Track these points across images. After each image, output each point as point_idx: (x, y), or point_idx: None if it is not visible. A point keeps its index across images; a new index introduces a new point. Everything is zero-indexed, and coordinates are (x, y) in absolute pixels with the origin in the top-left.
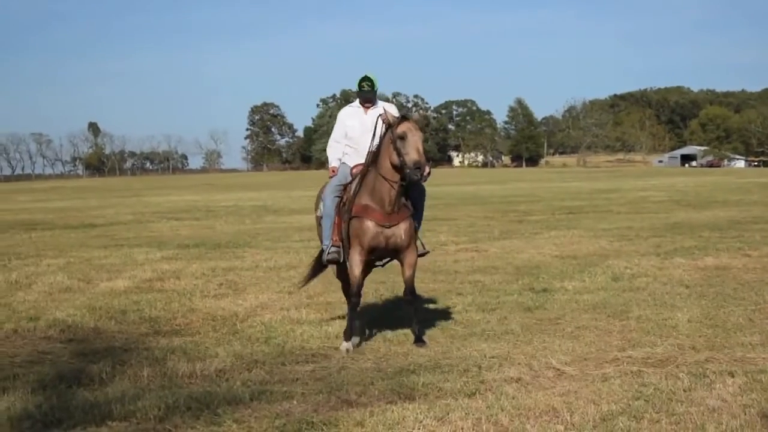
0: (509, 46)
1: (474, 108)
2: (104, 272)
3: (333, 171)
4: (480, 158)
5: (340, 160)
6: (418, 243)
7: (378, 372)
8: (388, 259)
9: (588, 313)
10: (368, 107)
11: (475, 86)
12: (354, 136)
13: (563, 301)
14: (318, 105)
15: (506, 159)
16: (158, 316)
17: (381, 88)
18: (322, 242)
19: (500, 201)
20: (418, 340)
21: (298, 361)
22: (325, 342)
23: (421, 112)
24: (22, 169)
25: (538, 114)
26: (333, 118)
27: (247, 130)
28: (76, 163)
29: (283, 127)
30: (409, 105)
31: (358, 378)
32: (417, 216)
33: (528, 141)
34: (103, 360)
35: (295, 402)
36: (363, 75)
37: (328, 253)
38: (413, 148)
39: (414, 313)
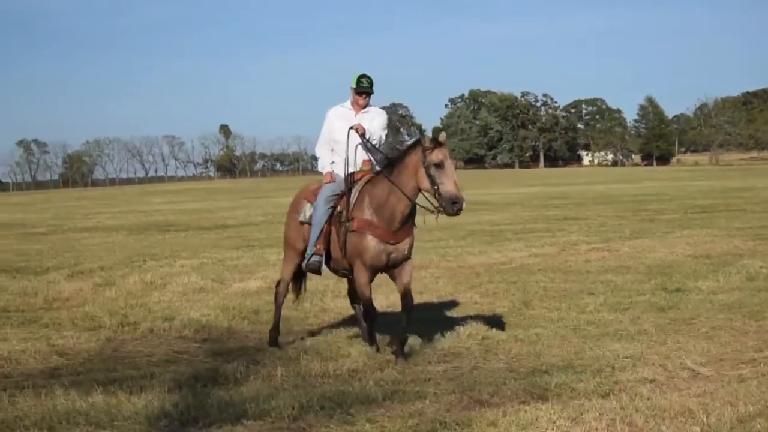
0: (639, 44)
1: (603, 107)
2: (237, 273)
3: (330, 177)
4: (610, 157)
5: (331, 165)
6: None
7: (510, 372)
8: None
9: (723, 313)
10: (359, 109)
11: (604, 84)
12: (341, 139)
13: (697, 301)
14: (446, 105)
15: (636, 158)
16: (291, 315)
17: (512, 86)
18: (290, 248)
19: (631, 200)
20: (399, 353)
21: (430, 361)
22: (456, 342)
23: (443, 134)
24: (155, 171)
25: (669, 112)
26: (462, 118)
27: None
28: (208, 165)
29: (412, 128)
30: (538, 104)
31: (490, 378)
32: None
33: (659, 139)
34: (237, 359)
35: (427, 402)
36: (362, 73)
37: (309, 260)
38: (450, 180)
39: (407, 322)
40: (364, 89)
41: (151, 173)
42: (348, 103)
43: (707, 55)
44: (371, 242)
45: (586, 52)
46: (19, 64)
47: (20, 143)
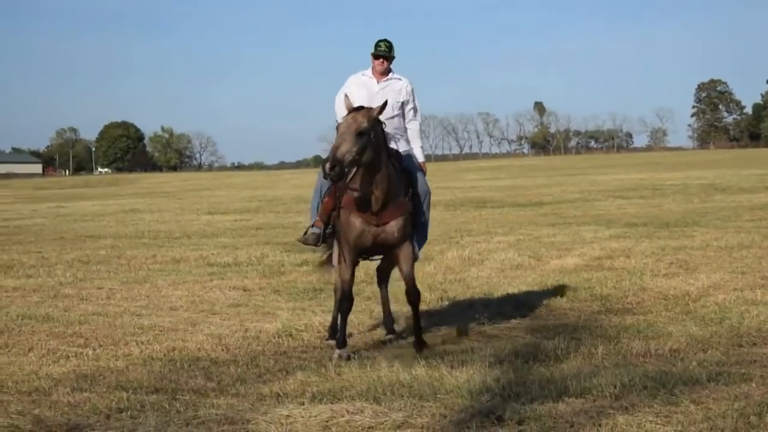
0: None
1: None
2: (553, 249)
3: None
4: None
5: None
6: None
7: None
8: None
9: None
10: (380, 77)
11: None
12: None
13: None
14: (767, 81)
15: None
16: (609, 294)
17: None
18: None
19: None
20: (418, 348)
21: (755, 343)
22: None
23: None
24: (470, 147)
25: None
26: None
27: (693, 107)
28: (522, 142)
29: (731, 104)
30: None
31: None
32: (420, 224)
33: None
34: (557, 336)
35: (753, 384)
36: (384, 38)
37: (305, 233)
38: (334, 145)
39: (416, 315)
40: (381, 53)
41: (466, 150)
42: (369, 71)
43: None
44: (355, 221)
45: None
46: (341, 43)
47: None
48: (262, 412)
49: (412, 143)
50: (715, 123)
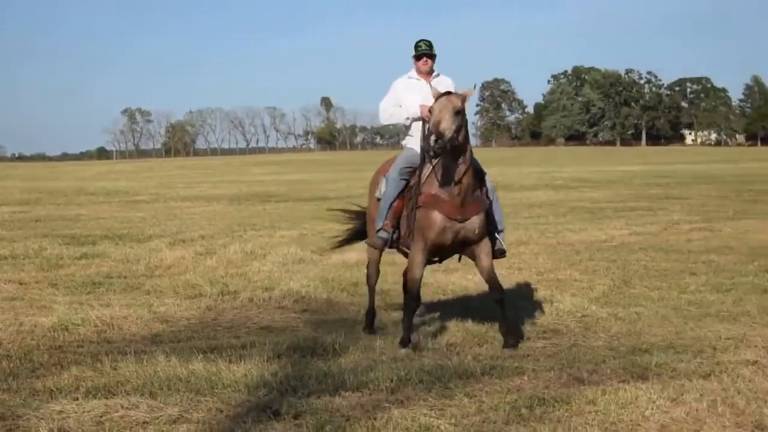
0: (746, 23)
1: (709, 86)
2: None
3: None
4: (713, 137)
5: (406, 139)
6: (498, 242)
7: (609, 350)
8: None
9: None
10: (428, 76)
11: (710, 64)
12: (416, 113)
13: None
14: (549, 81)
15: (740, 138)
16: (389, 288)
17: (616, 64)
18: (373, 227)
19: (734, 180)
20: (507, 345)
21: (529, 338)
22: (555, 319)
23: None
24: (257, 142)
25: None
26: (564, 94)
27: (477, 105)
28: (308, 137)
29: (513, 103)
30: (642, 82)
31: (589, 356)
32: (496, 215)
33: (764, 119)
34: (336, 331)
35: (526, 378)
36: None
37: (376, 236)
38: (434, 120)
39: (503, 311)
40: (423, 52)
41: (252, 144)
42: (414, 73)
43: None
44: (437, 218)
45: (692, 31)
46: (126, 34)
47: (125, 112)
48: (33, 408)
49: None
50: (498, 121)
